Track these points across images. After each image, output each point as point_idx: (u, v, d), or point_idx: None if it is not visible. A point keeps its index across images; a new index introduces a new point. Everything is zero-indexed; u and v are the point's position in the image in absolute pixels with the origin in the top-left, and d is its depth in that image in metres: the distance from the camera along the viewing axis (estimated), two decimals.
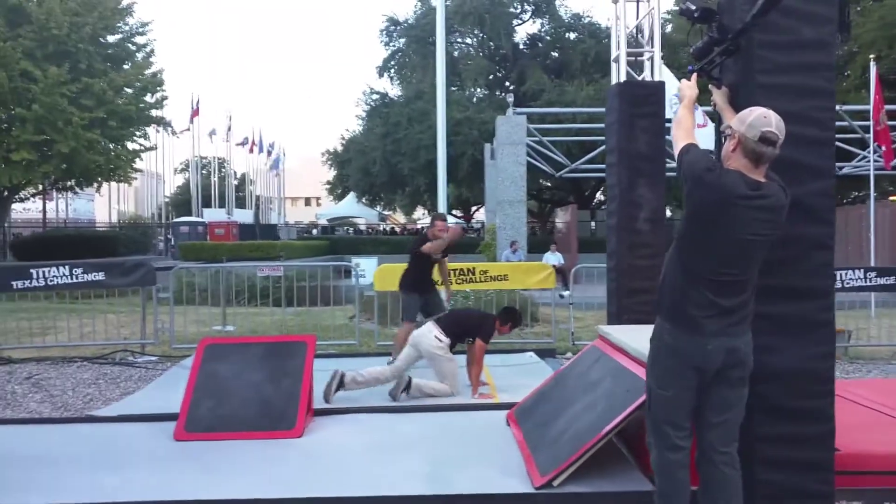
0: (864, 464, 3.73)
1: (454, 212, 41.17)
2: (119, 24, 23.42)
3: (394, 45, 35.32)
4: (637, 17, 6.13)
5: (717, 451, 3.14)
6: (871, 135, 12.54)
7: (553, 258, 21.20)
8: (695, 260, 3.05)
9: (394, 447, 4.77)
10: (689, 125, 3.27)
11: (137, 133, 24.17)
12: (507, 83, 34.44)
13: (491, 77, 34.29)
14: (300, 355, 5.34)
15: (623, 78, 6.15)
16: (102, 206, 42.24)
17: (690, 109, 3.37)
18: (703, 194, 2.98)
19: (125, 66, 23.49)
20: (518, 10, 33.95)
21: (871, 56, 12.91)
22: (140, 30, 24.00)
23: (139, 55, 24.04)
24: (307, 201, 74.84)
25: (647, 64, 6.10)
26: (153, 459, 4.55)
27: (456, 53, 34.32)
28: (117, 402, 6.31)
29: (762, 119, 2.93)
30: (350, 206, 38.88)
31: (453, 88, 32.10)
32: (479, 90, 33.55)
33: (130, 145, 24.13)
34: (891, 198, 35.16)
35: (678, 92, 3.51)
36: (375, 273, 9.14)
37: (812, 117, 3.42)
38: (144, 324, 8.50)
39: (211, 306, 10.81)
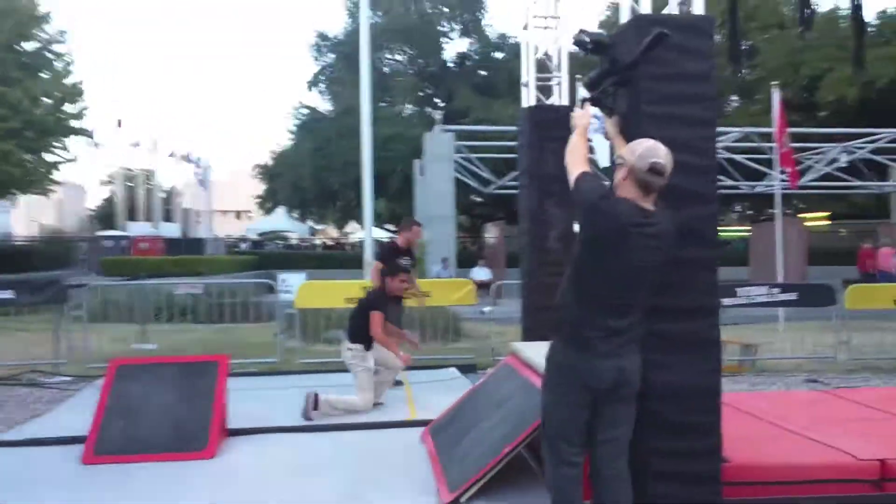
0: (750, 475, 3.95)
1: (387, 226, 41.13)
2: (36, 32, 22.67)
3: (324, 60, 35.18)
4: (545, 43, 6.35)
5: (608, 466, 3.28)
6: (777, 157, 13.16)
7: (481, 273, 21.49)
8: (589, 283, 3.19)
9: (307, 467, 4.80)
10: (582, 153, 3.43)
11: (56, 144, 23.36)
12: (437, 100, 34.72)
13: (421, 94, 34.51)
14: (212, 375, 5.32)
15: (533, 102, 6.36)
16: (20, 218, 40.67)
17: (584, 137, 3.54)
18: (599, 221, 3.12)
19: (43, 75, 22.75)
20: (447, 29, 34.31)
21: (772, 83, 13.59)
22: (58, 38, 23.29)
23: (58, 64, 23.32)
24: (238, 214, 73.52)
25: (556, 88, 6.32)
26: (60, 484, 4.47)
27: (386, 70, 34.39)
28: (24, 424, 6.11)
29: (651, 151, 3.09)
30: (280, 220, 38.48)
31: (382, 104, 32.15)
32: (408, 106, 33.69)
33: (49, 157, 23.30)
34: (801, 215, 36.92)
35: (571, 120, 3.68)
36: (299, 289, 9.09)
37: (695, 146, 3.63)
38: (58, 343, 8.26)
39: (131, 323, 10.58)
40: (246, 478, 4.58)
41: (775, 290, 9.15)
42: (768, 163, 21.02)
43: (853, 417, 5.01)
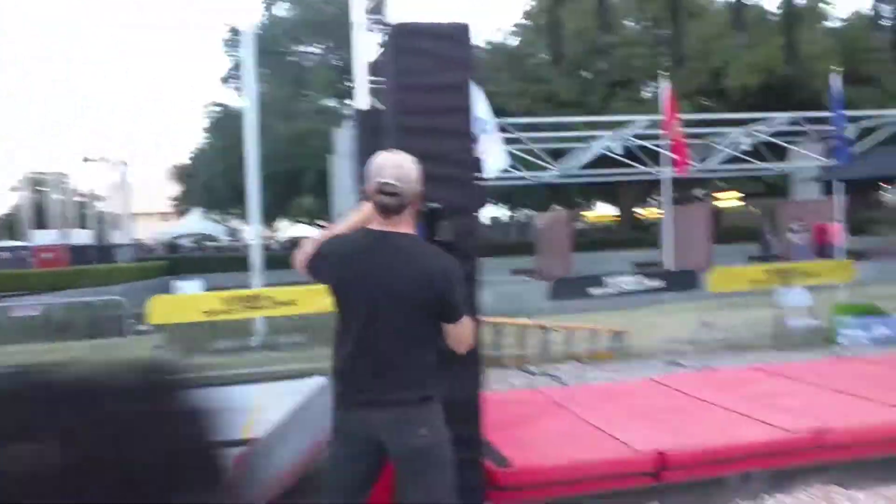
0: (530, 477, 4.00)
1: (319, 222, 40.72)
2: None
3: (237, 56, 34.53)
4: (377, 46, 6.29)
5: None
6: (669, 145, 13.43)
7: None
8: (340, 332, 2.85)
9: None
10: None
11: None
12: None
13: (341, 87, 34.24)
14: None
15: (367, 106, 6.31)
16: None
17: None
18: (318, 270, 2.88)
19: None
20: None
21: (661, 73, 13.88)
22: None
23: None
24: (165, 217, 71.85)
25: None
26: None
27: (308, 63, 33.99)
28: None
29: (378, 169, 2.76)
30: (196, 221, 37.65)
31: (302, 97, 31.86)
32: (328, 101, 33.35)
33: None
34: (717, 194, 37.96)
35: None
36: (151, 304, 8.52)
37: (453, 158, 3.62)
38: None
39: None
40: None
41: (643, 278, 9.35)
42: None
43: (658, 406, 5.11)
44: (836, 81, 12.88)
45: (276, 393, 7.40)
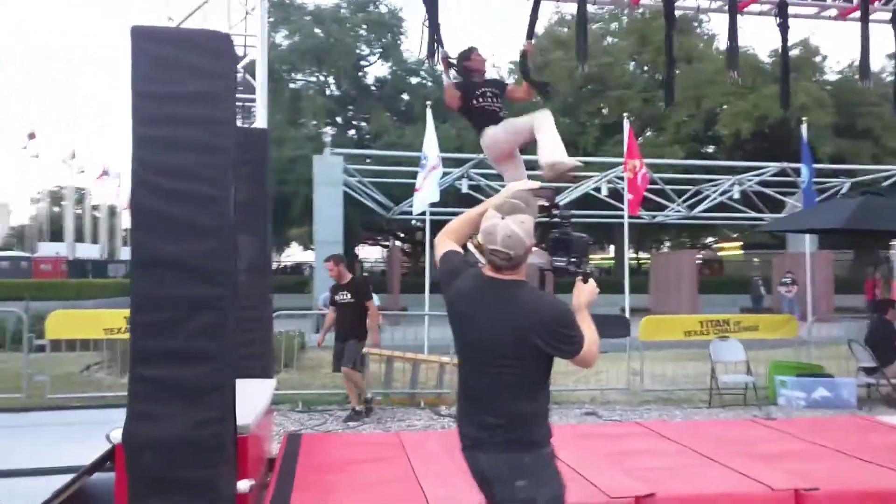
0: None
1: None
2: None
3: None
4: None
5: None
6: (626, 185, 12.95)
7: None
8: (458, 366, 2.87)
9: None
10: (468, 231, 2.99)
11: None
12: (361, 123, 34.54)
13: (339, 117, 34.22)
14: None
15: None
16: None
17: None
18: (445, 289, 2.83)
19: None
20: (366, 52, 34.05)
21: (625, 114, 13.55)
22: None
23: None
24: None
25: (257, 112, 6.02)
26: None
27: (310, 92, 33.98)
28: None
29: (487, 235, 2.66)
30: None
31: (300, 124, 31.83)
32: (323, 129, 33.10)
33: None
34: (722, 244, 37.34)
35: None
36: (48, 319, 8.19)
37: (200, 174, 3.32)
38: None
39: None
40: None
41: None
42: (661, 192, 21.19)
43: None
44: (805, 131, 12.41)
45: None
